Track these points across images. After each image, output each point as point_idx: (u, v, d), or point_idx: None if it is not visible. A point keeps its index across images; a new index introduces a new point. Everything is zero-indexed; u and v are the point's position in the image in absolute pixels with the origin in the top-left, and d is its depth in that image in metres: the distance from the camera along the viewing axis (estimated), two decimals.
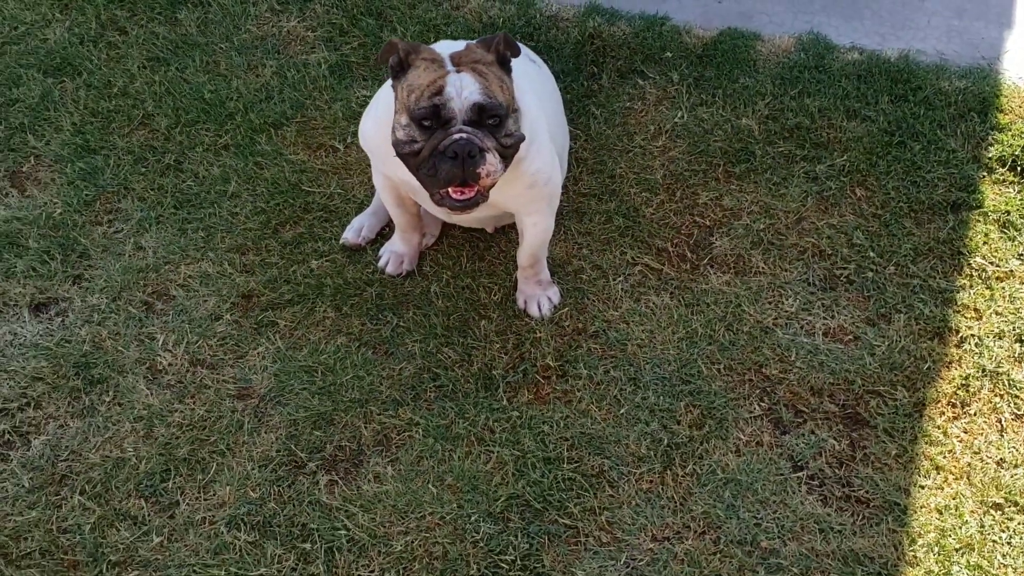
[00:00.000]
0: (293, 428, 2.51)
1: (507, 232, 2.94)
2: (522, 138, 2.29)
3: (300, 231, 2.99)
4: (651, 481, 2.38)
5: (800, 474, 2.38)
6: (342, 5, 3.68)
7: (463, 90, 2.19)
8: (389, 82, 2.46)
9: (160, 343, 2.71)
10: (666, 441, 2.45)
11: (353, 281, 2.84)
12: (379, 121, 2.49)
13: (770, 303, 2.74)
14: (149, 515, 2.36)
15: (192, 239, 2.98)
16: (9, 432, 2.53)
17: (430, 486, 2.39)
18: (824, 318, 2.69)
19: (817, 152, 3.06)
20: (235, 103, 3.38)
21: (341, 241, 2.94)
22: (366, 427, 2.51)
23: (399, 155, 2.32)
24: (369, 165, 3.12)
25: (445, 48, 2.30)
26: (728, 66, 3.30)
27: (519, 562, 2.24)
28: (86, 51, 3.51)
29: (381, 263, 2.89)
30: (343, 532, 2.30)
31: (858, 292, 2.75)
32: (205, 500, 2.39)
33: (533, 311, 2.75)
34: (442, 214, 2.70)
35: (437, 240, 2.96)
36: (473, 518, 2.32)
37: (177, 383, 2.63)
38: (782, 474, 2.38)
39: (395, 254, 2.88)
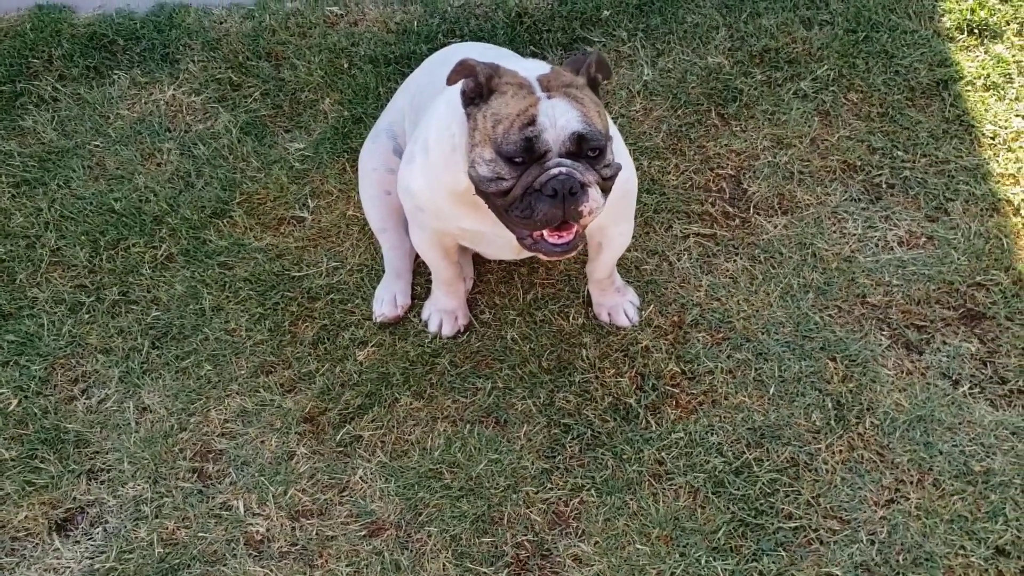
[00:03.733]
0: (457, 544, 2.18)
1: None
2: (619, 168, 2.01)
3: (321, 324, 2.58)
4: (843, 449, 2.28)
5: (961, 389, 2.37)
6: (220, 56, 3.17)
7: (558, 118, 1.90)
8: (437, 117, 2.12)
9: (242, 510, 2.26)
10: (831, 405, 2.35)
11: (418, 357, 2.49)
12: (433, 169, 2.14)
13: (835, 232, 2.68)
14: None
15: (202, 377, 2.49)
16: None
17: (638, 545, 2.15)
18: (890, 229, 2.67)
19: (795, 69, 3.02)
20: (154, 204, 2.84)
21: (377, 319, 2.57)
22: (532, 511, 2.22)
23: (480, 193, 2.00)
24: (353, 223, 2.74)
25: (530, 70, 1.98)
26: (670, 8, 3.16)
27: None
28: None
29: (433, 327, 2.55)
30: None
31: (903, 194, 2.75)
32: None
33: (622, 321, 2.53)
34: (510, 253, 2.39)
35: (477, 280, 2.65)
36: (703, 561, 2.12)
37: (291, 547, 2.20)
38: (947, 394, 2.36)
39: (446, 313, 2.54)
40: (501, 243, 2.23)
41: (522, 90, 1.92)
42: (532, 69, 1.97)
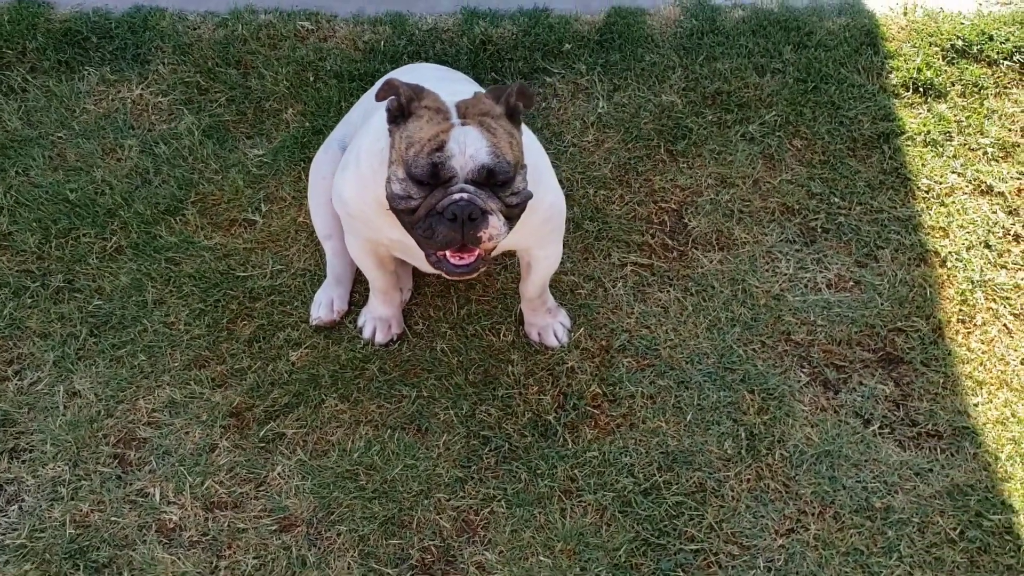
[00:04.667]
0: (364, 545, 2.22)
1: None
2: (529, 196, 2.07)
3: (259, 323, 2.63)
4: (750, 478, 2.33)
5: (872, 428, 2.43)
6: (190, 60, 3.25)
7: (468, 147, 1.95)
8: (371, 130, 2.19)
9: (158, 497, 2.29)
10: (744, 435, 2.41)
11: (348, 361, 2.55)
12: (363, 179, 2.21)
13: (767, 270, 2.76)
14: None
15: (135, 366, 2.53)
16: None
17: (541, 557, 2.20)
18: (820, 271, 2.75)
19: (745, 113, 3.11)
20: (109, 197, 2.90)
21: (313, 322, 2.62)
22: (442, 518, 2.27)
23: (392, 209, 2.07)
24: (302, 229, 2.81)
25: (457, 93, 2.06)
26: (629, 46, 3.27)
27: None
28: None
29: (366, 334, 2.61)
30: None
31: (837, 239, 2.83)
32: None
33: (551, 341, 2.59)
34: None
35: (414, 291, 2.71)
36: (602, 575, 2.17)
37: (202, 537, 2.23)
38: (857, 432, 2.42)
39: (380, 320, 2.60)
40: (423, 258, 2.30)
41: (438, 115, 1.98)
42: (459, 93, 2.04)
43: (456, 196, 1.95)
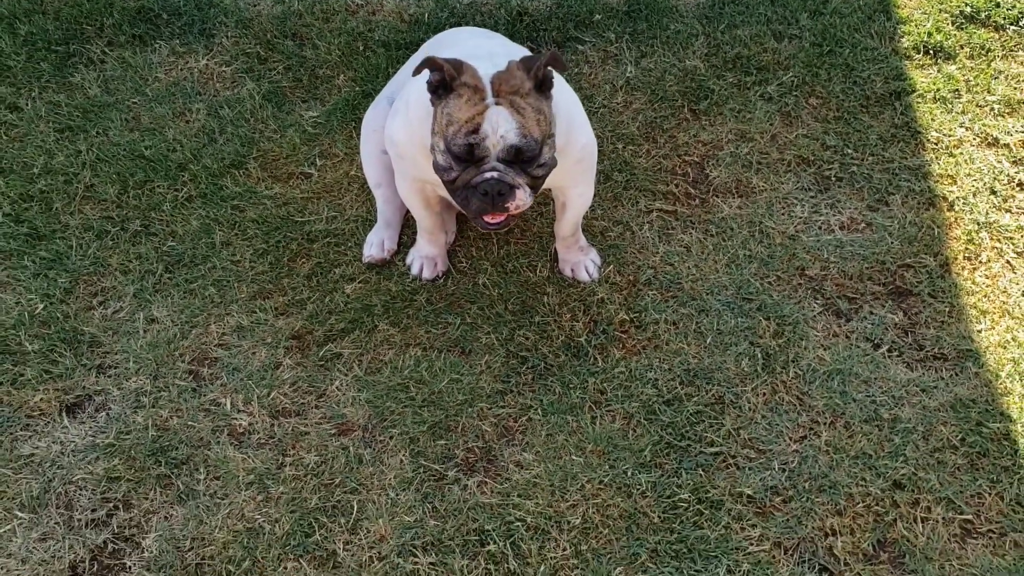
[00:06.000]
0: (415, 445, 2.46)
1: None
2: (554, 164, 2.31)
3: (316, 261, 2.89)
4: (765, 393, 2.54)
5: (881, 350, 2.63)
6: (250, 33, 3.54)
7: (499, 128, 2.19)
8: (421, 83, 2.44)
9: (229, 406, 2.55)
10: (760, 355, 2.61)
11: (399, 293, 2.80)
12: (411, 125, 2.46)
13: (783, 214, 2.97)
14: (312, 574, 2.24)
15: (206, 297, 2.80)
16: (112, 540, 2.31)
17: (574, 457, 2.42)
18: (834, 215, 2.96)
19: (763, 75, 3.33)
20: (180, 154, 3.19)
21: (365, 260, 2.88)
22: (484, 423, 2.50)
23: (437, 173, 2.32)
24: (354, 181, 3.06)
25: (485, 55, 2.28)
26: (656, 16, 3.50)
27: (692, 497, 2.34)
28: None
29: (415, 270, 2.85)
30: (519, 524, 2.30)
31: (850, 186, 3.03)
32: (363, 540, 2.29)
33: (583, 276, 2.82)
34: None
35: (458, 234, 2.96)
36: (629, 473, 2.38)
37: (269, 439, 2.49)
38: (867, 354, 2.62)
39: (427, 258, 2.85)
40: None
41: (476, 95, 2.21)
42: (494, 54, 2.27)
43: (487, 175, 2.23)
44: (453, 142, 2.22)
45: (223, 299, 2.80)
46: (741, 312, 2.71)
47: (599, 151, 3.08)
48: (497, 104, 2.20)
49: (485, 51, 2.35)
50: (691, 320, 2.70)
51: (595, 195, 3.00)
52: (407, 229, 2.95)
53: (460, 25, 3.50)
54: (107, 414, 2.55)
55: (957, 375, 2.56)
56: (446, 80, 2.25)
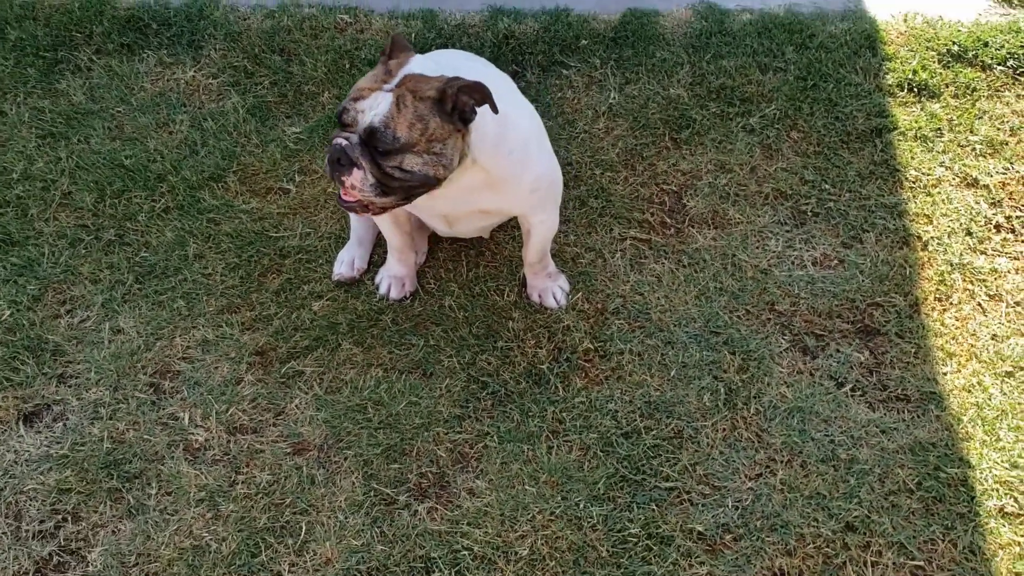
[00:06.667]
0: (368, 468, 2.45)
1: (495, 234, 2.98)
2: (422, 178, 2.22)
3: (286, 277, 2.89)
4: (725, 428, 2.52)
5: (844, 389, 2.61)
6: (239, 47, 3.56)
7: (374, 108, 2.17)
8: None
9: (187, 421, 2.55)
10: (723, 390, 2.60)
11: (365, 312, 2.79)
12: None
13: (757, 247, 2.95)
14: None
15: (173, 310, 2.81)
16: (58, 553, 2.30)
17: (527, 487, 2.41)
18: (807, 250, 2.94)
19: (746, 107, 3.32)
20: (160, 164, 3.20)
21: (335, 277, 2.88)
22: (439, 448, 2.49)
23: None
24: (331, 198, 3.07)
25: (447, 67, 2.27)
26: (642, 44, 3.50)
27: (642, 532, 2.32)
28: None
29: (382, 290, 2.85)
30: (466, 552, 2.28)
31: (825, 222, 3.02)
32: (308, 563, 2.28)
33: (550, 302, 2.82)
34: (442, 227, 2.71)
35: (429, 255, 2.95)
36: (582, 505, 2.37)
37: (224, 456, 2.48)
38: (830, 393, 2.60)
39: (395, 278, 2.85)
40: (429, 216, 2.56)
41: (385, 76, 2.21)
42: (460, 69, 2.26)
43: (337, 140, 2.20)
44: (341, 104, 2.23)
45: (191, 312, 2.80)
46: (707, 345, 2.70)
47: (575, 177, 3.08)
48: (389, 91, 2.19)
49: (450, 67, 2.34)
50: (656, 351, 2.69)
51: (569, 221, 3.00)
52: (379, 249, 2.95)
53: (447, 47, 3.51)
54: (64, 424, 2.55)
55: (919, 418, 2.54)
56: (387, 53, 2.27)
